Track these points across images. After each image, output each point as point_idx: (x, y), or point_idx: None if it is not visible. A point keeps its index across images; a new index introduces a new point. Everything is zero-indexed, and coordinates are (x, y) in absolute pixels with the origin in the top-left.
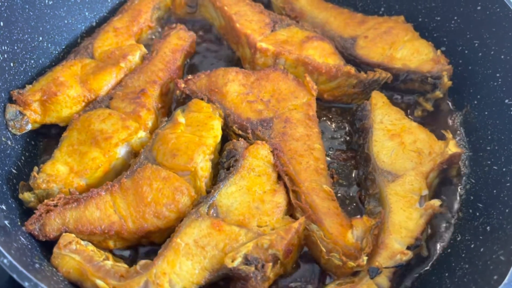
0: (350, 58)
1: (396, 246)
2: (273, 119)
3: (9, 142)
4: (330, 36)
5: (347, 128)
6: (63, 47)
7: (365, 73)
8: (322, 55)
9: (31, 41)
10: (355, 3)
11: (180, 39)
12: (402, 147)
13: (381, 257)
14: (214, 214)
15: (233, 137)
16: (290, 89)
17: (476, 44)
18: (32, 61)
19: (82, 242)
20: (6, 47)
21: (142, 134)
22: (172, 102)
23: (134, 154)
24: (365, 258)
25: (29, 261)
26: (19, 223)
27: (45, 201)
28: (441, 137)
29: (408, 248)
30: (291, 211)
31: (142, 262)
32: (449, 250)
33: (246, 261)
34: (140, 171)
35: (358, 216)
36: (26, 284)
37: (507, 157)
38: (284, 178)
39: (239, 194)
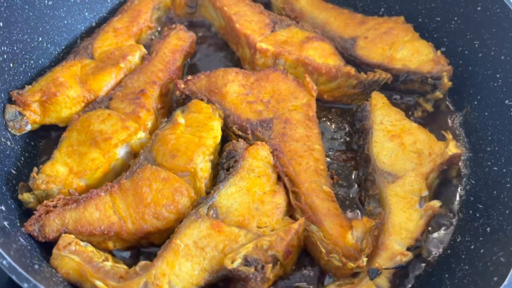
0: (350, 58)
1: (396, 247)
2: (273, 120)
3: (8, 143)
4: (330, 36)
5: (347, 129)
6: (63, 47)
7: (365, 73)
8: (322, 56)
9: (31, 41)
10: (355, 4)
11: (179, 40)
12: (402, 148)
13: (381, 258)
14: (214, 215)
15: (233, 137)
16: (290, 89)
17: (476, 45)
18: (32, 62)
19: (82, 243)
20: (5, 48)
21: (141, 134)
22: (171, 103)
23: (133, 154)
24: (365, 259)
25: (28, 262)
26: (18, 224)
27: (45, 202)
28: (441, 138)
29: (408, 249)
30: (291, 212)
31: (142, 263)
32: (449, 251)
33: (246, 262)
34: (140, 172)
35: (359, 215)
36: (25, 285)
37: (507, 158)
38: (284, 179)
39: (239, 195)
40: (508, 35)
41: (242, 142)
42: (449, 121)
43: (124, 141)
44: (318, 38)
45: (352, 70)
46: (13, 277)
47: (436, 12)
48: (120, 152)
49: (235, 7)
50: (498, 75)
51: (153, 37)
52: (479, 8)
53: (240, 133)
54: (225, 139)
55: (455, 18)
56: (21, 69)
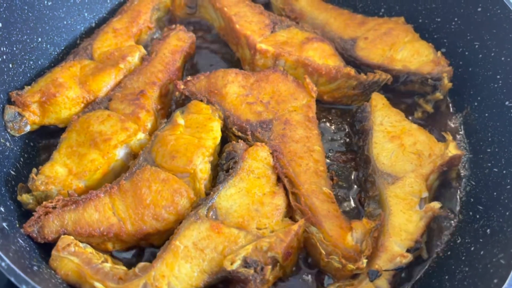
0: (350, 59)
1: (396, 248)
2: (272, 121)
3: (7, 144)
4: (330, 37)
5: (347, 130)
6: (62, 48)
7: (365, 74)
8: (322, 57)
9: (30, 42)
10: (355, 4)
11: (179, 40)
12: (402, 149)
13: (380, 260)
14: (213, 217)
15: (233, 138)
16: (290, 90)
17: (477, 46)
18: (31, 62)
19: (81, 244)
20: (5, 48)
21: (141, 135)
22: (171, 104)
23: (133, 155)
24: (365, 260)
25: (27, 263)
26: (17, 225)
27: (44, 203)
28: (441, 139)
29: (408, 250)
30: (290, 213)
31: (141, 264)
32: (449, 253)
33: (245, 263)
34: (139, 173)
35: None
36: (24, 287)
37: (508, 159)
38: (283, 180)
39: (239, 196)
40: (509, 36)
41: (241, 143)
42: (449, 122)
43: (123, 142)
44: (318, 39)
45: (352, 71)
46: (12, 279)
47: (437, 13)
48: (120, 153)
49: (235, 8)
50: (498, 76)
51: (153, 38)
52: (479, 9)
53: (239, 134)
54: (224, 140)
55: (456, 19)
56: (21, 70)
